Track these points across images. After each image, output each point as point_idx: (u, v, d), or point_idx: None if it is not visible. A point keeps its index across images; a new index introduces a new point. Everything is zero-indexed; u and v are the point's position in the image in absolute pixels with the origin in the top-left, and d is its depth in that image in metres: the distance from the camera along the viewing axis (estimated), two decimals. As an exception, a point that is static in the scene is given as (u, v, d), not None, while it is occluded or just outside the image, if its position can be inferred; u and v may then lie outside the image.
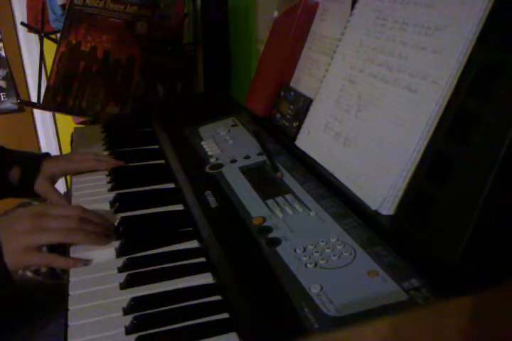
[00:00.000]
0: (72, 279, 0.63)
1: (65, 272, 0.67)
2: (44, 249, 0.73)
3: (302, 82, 0.88)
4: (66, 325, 0.56)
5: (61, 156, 1.10)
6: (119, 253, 0.68)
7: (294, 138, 0.81)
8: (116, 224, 0.74)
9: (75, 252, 0.68)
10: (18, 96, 2.20)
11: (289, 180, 0.73)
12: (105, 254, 0.68)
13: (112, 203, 0.81)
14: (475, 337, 0.35)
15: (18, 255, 0.66)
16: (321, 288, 0.51)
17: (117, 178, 0.90)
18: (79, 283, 0.62)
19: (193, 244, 0.69)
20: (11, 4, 2.13)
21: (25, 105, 1.55)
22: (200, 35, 1.44)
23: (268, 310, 0.50)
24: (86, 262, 0.67)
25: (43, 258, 0.68)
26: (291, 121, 0.85)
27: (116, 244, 0.70)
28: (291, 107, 0.86)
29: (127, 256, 0.67)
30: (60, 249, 0.70)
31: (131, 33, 1.10)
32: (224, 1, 1.38)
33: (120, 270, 0.64)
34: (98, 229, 0.71)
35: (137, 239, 0.71)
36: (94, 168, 0.93)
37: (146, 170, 0.95)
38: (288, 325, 0.48)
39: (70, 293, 0.61)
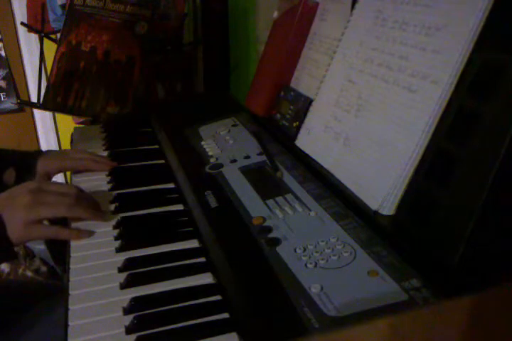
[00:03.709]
0: (72, 279, 0.63)
1: (65, 272, 0.67)
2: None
3: (302, 82, 0.88)
4: (66, 325, 0.56)
5: (56, 152, 1.08)
6: (119, 253, 0.68)
7: (294, 138, 0.81)
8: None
9: (76, 250, 0.69)
10: (18, 96, 2.20)
11: (289, 180, 0.73)
12: (105, 254, 0.68)
13: (112, 203, 0.81)
14: (475, 337, 0.35)
15: (21, 229, 0.68)
16: (321, 288, 0.51)
17: (117, 178, 0.90)
18: (79, 283, 0.62)
19: (193, 243, 0.69)
20: (10, 4, 2.13)
21: (25, 105, 1.55)
22: (200, 35, 1.44)
23: (268, 310, 0.50)
24: (89, 234, 0.71)
25: (47, 230, 0.71)
26: (291, 121, 0.85)
27: (117, 243, 0.70)
28: (291, 107, 0.86)
29: (127, 256, 0.67)
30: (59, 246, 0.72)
31: (131, 33, 1.10)
32: (224, 1, 1.38)
33: (120, 270, 0.64)
34: (94, 205, 0.76)
35: (137, 239, 0.71)
36: (90, 168, 0.93)
37: (146, 170, 0.95)
38: (288, 325, 0.48)
39: (70, 293, 0.61)
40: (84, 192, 0.77)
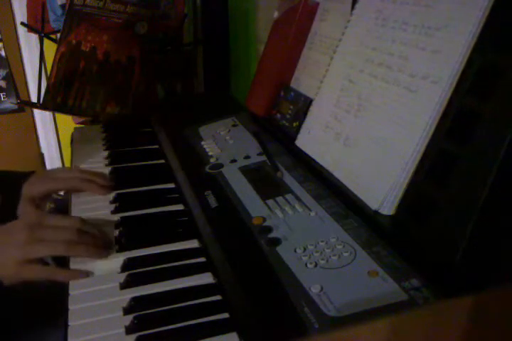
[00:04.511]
0: (72, 279, 0.63)
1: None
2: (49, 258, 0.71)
3: (302, 82, 0.88)
4: (66, 325, 0.56)
5: (45, 173, 0.98)
6: (119, 253, 0.68)
7: (294, 138, 0.81)
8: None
9: (75, 262, 0.67)
10: (18, 96, 2.20)
11: (289, 180, 0.73)
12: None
13: (112, 203, 0.81)
14: (475, 337, 0.35)
15: (13, 268, 0.63)
16: (321, 288, 0.51)
17: (117, 178, 0.90)
18: (79, 283, 0.62)
19: (193, 243, 0.69)
20: (11, 4, 2.13)
21: (25, 105, 1.55)
22: (200, 35, 1.44)
23: (268, 310, 0.50)
24: (87, 273, 0.64)
25: (42, 271, 0.65)
26: (291, 121, 0.85)
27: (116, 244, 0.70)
28: (291, 107, 0.86)
29: (127, 256, 0.67)
30: (62, 259, 0.68)
31: (131, 33, 1.10)
32: (224, 1, 1.38)
33: (120, 270, 0.64)
34: (97, 241, 0.69)
35: (137, 239, 0.71)
36: (80, 189, 0.85)
37: (146, 170, 0.95)
38: (288, 325, 0.48)
39: (70, 292, 0.61)
40: (88, 225, 0.70)
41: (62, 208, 0.93)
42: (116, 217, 0.76)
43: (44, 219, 0.68)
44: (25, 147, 2.34)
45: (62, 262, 0.68)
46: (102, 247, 0.68)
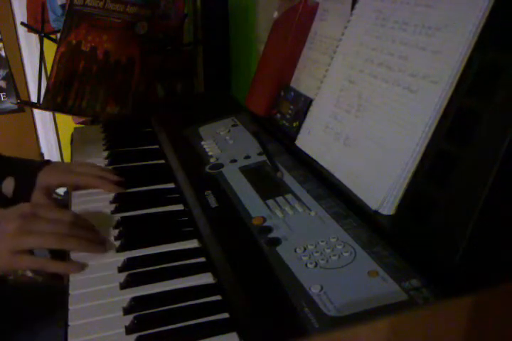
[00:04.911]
0: (72, 279, 0.63)
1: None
2: (46, 252, 0.71)
3: (302, 82, 0.88)
4: (66, 325, 0.56)
5: (61, 165, 1.00)
6: (119, 252, 0.68)
7: (294, 138, 0.81)
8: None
9: (76, 258, 0.67)
10: (18, 96, 2.20)
11: (289, 180, 0.73)
12: (105, 254, 0.68)
13: (112, 203, 0.81)
14: (475, 337, 0.35)
15: (4, 258, 0.63)
16: (321, 288, 0.51)
17: (117, 178, 0.90)
18: (79, 283, 0.62)
19: (193, 243, 0.69)
20: (11, 4, 2.13)
21: (25, 105, 1.55)
22: (200, 35, 1.44)
23: (268, 310, 0.50)
24: (82, 267, 0.64)
25: (33, 262, 0.65)
26: (291, 121, 0.85)
27: (117, 243, 0.70)
28: (291, 107, 0.86)
29: (127, 256, 0.67)
30: (61, 252, 0.69)
31: (131, 33, 1.10)
32: (224, 1, 1.38)
33: (120, 270, 0.64)
34: (90, 235, 0.69)
35: (137, 239, 0.71)
36: (93, 186, 0.85)
37: (146, 170, 0.95)
38: (288, 324, 0.48)
39: (70, 292, 0.61)
40: (81, 220, 0.70)
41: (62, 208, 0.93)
42: (116, 217, 0.76)
43: (38, 210, 0.67)
44: (25, 147, 2.34)
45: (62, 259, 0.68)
46: (95, 242, 0.68)
